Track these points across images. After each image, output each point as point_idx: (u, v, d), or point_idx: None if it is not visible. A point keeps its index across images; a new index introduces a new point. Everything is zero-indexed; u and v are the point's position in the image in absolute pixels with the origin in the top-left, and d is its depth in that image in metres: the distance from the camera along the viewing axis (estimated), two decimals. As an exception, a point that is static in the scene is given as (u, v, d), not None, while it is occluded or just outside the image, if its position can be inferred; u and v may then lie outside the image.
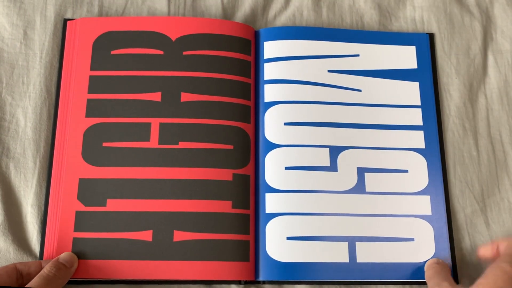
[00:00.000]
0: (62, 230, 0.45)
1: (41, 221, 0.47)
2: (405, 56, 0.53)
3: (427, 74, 0.53)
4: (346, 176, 0.48)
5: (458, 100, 0.53)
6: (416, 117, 0.51)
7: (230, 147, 0.48)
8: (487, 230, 0.49)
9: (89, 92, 0.49)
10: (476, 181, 0.51)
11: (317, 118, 0.50)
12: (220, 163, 0.47)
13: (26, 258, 0.46)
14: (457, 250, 0.48)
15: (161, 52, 0.50)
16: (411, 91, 0.52)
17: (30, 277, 0.42)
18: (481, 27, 0.55)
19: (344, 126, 0.50)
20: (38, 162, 0.48)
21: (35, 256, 0.46)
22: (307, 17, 0.55)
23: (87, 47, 0.50)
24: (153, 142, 0.48)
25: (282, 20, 0.55)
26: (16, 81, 0.50)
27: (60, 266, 0.42)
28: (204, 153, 0.48)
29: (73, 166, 0.47)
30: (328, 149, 0.49)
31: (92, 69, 0.50)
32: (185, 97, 0.49)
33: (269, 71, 0.51)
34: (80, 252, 0.45)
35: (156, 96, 0.49)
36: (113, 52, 0.50)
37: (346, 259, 0.46)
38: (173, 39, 0.51)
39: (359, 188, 0.48)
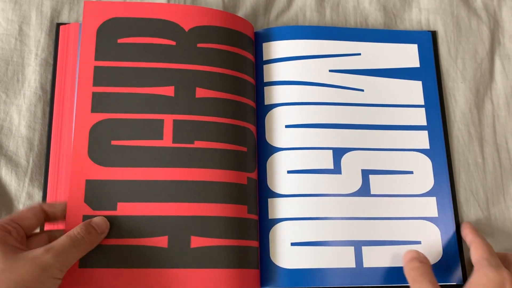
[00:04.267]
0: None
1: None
2: (407, 55, 0.52)
3: (430, 73, 0.52)
4: (350, 178, 0.47)
5: (463, 105, 0.52)
6: (420, 116, 0.50)
7: (244, 149, 0.46)
8: (492, 239, 0.48)
9: (94, 84, 0.45)
10: (481, 189, 0.50)
11: (319, 120, 0.49)
12: (236, 165, 0.45)
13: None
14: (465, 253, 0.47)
15: (173, 43, 0.47)
16: (414, 90, 0.51)
17: (56, 219, 0.42)
18: (488, 31, 0.55)
19: (347, 127, 0.49)
20: (31, 161, 0.47)
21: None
22: (310, 18, 0.54)
23: (91, 34, 0.46)
24: (167, 140, 0.44)
25: (284, 20, 0.54)
26: (10, 78, 0.50)
27: (91, 230, 0.40)
28: (221, 154, 0.45)
29: (79, 166, 0.43)
30: (331, 151, 0.48)
31: (96, 59, 0.46)
32: (200, 92, 0.46)
33: (268, 73, 0.50)
34: (89, 260, 0.41)
35: (169, 91, 0.45)
36: (120, 40, 0.46)
37: (352, 264, 0.45)
38: (186, 30, 0.47)
39: (364, 190, 0.47)
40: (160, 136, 0.44)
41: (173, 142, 0.44)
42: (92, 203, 0.42)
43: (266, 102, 0.49)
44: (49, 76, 0.50)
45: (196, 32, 0.47)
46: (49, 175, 0.46)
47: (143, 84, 0.46)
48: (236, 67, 0.48)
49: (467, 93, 0.53)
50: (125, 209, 0.43)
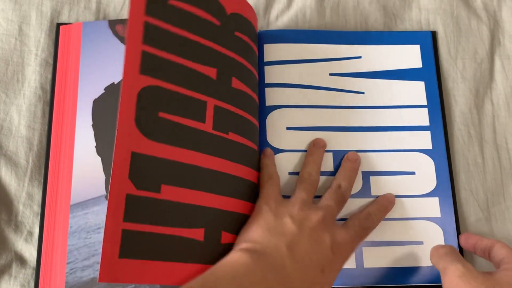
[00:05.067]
0: (109, 217, 0.35)
1: (33, 224, 0.46)
2: (410, 56, 0.52)
3: (433, 73, 0.52)
4: None
5: (463, 106, 0.52)
6: (422, 117, 0.50)
7: (256, 148, 0.46)
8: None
9: (145, 42, 0.38)
10: (481, 189, 0.50)
11: (320, 123, 0.49)
12: (254, 164, 0.44)
13: (11, 258, 0.44)
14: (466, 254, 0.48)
15: (218, 23, 0.42)
16: (416, 90, 0.51)
17: None
18: (488, 31, 0.55)
19: (347, 130, 0.49)
20: (30, 161, 0.47)
21: (24, 260, 0.45)
22: (310, 18, 0.54)
23: None
24: (208, 125, 0.40)
25: (284, 21, 0.54)
26: (10, 78, 0.50)
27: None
28: (246, 151, 0.43)
29: (125, 136, 0.37)
30: (331, 153, 0.48)
31: (147, 13, 0.39)
32: (235, 83, 0.43)
33: (270, 74, 0.50)
34: (130, 250, 0.36)
35: (212, 72, 0.41)
36: (171, 1, 0.40)
37: (353, 265, 0.45)
38: (228, 13, 0.43)
39: (364, 192, 0.47)
40: (203, 119, 0.40)
41: (213, 128, 0.41)
42: (137, 181, 0.37)
43: (268, 103, 0.49)
44: (49, 76, 0.50)
45: (235, 18, 0.44)
46: (48, 175, 0.46)
47: (190, 57, 0.41)
48: (255, 65, 0.47)
49: (467, 93, 0.53)
50: (168, 193, 0.38)
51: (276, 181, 0.44)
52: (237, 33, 0.44)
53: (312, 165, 0.45)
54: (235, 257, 0.36)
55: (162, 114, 0.39)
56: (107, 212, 0.35)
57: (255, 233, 0.39)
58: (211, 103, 0.41)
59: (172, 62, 0.40)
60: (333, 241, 0.39)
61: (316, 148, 0.47)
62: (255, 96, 0.46)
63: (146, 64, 0.38)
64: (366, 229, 0.44)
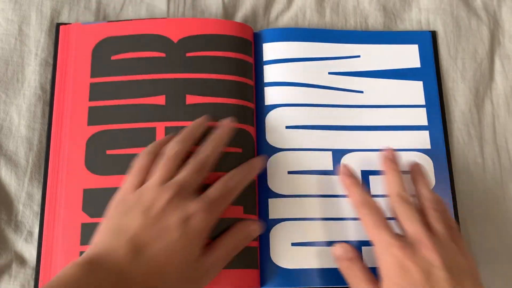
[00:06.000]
0: (65, 243, 0.44)
1: (33, 224, 0.46)
2: (408, 55, 0.52)
3: (431, 73, 0.52)
4: None
5: (463, 105, 0.52)
6: (421, 117, 0.50)
7: (239, 150, 0.46)
8: (491, 239, 0.48)
9: (90, 99, 0.47)
10: (481, 189, 0.50)
11: (319, 121, 0.49)
12: (231, 166, 0.45)
13: (11, 258, 0.44)
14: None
15: (163, 55, 0.49)
16: (415, 90, 0.51)
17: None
18: (488, 31, 0.55)
19: (347, 129, 0.49)
20: (30, 161, 0.47)
21: (24, 260, 0.45)
22: (310, 18, 0.54)
23: (86, 55, 0.49)
24: None
25: (284, 20, 0.54)
26: (10, 78, 0.50)
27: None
28: None
29: (76, 177, 0.45)
30: (330, 152, 0.48)
31: (92, 76, 0.48)
32: (191, 99, 0.47)
33: (269, 73, 0.50)
34: None
35: (160, 100, 0.47)
36: (114, 57, 0.49)
37: None
38: (175, 41, 0.49)
39: None
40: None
41: None
42: (90, 211, 0.44)
43: (267, 103, 0.49)
44: (49, 76, 0.50)
45: (185, 42, 0.49)
46: (48, 175, 0.46)
47: (135, 95, 0.47)
48: (226, 71, 0.48)
49: (467, 93, 0.53)
50: None
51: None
52: (189, 54, 0.49)
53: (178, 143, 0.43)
54: (69, 273, 0.34)
55: (109, 151, 0.46)
56: (64, 239, 0.44)
57: (98, 234, 0.38)
58: (161, 126, 0.47)
59: (117, 106, 0.47)
60: (182, 218, 0.37)
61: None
62: (228, 101, 0.47)
63: (93, 117, 0.47)
64: (230, 191, 0.41)
